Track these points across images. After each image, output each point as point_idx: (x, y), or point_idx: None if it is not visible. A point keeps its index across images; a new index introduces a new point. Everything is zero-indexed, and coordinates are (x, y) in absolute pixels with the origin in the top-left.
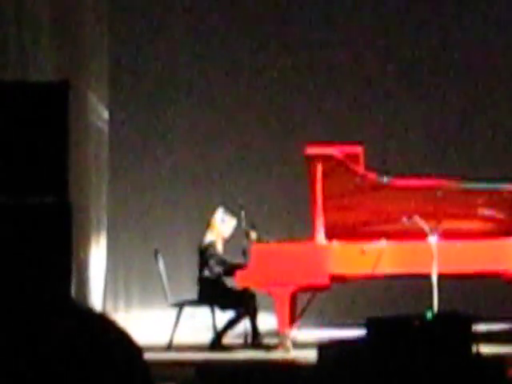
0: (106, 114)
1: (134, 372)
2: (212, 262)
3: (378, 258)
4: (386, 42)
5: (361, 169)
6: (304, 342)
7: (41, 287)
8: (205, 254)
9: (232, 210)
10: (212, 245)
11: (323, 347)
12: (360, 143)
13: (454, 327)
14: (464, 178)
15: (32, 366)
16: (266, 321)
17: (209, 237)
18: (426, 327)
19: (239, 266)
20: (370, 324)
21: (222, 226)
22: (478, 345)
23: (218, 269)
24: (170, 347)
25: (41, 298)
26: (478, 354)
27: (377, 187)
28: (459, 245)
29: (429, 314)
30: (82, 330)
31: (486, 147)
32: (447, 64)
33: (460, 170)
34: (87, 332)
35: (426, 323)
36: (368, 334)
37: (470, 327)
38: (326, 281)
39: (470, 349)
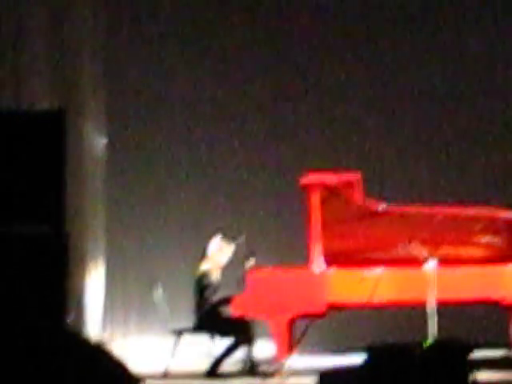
0: (102, 143)
1: None
2: (207, 293)
3: (376, 285)
4: (383, 69)
5: (358, 196)
6: (301, 369)
7: (37, 318)
8: (200, 283)
9: (230, 237)
10: (207, 274)
11: (324, 375)
12: (357, 171)
13: (452, 355)
14: (461, 205)
15: None
16: (264, 348)
17: (204, 265)
18: (425, 355)
19: (230, 300)
20: (369, 351)
21: (217, 255)
22: (475, 373)
23: (214, 297)
24: (167, 375)
25: (37, 329)
26: (475, 382)
27: (374, 214)
28: (457, 271)
29: (428, 342)
30: (80, 360)
31: (484, 175)
32: (447, 93)
33: (457, 196)
34: (85, 362)
35: (425, 351)
36: (368, 361)
37: (468, 355)
38: (322, 309)
39: (468, 377)
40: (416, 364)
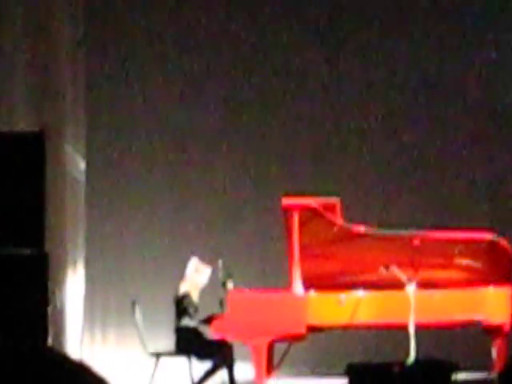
0: (82, 165)
1: None
2: (191, 310)
3: (356, 307)
4: (366, 90)
5: (337, 218)
6: None
7: (19, 337)
8: (181, 304)
9: (208, 260)
10: (186, 295)
11: None
12: (336, 196)
13: (433, 374)
14: (440, 228)
15: None
16: (244, 370)
17: (183, 287)
18: (406, 373)
19: (212, 318)
20: (350, 370)
21: (195, 277)
22: None
23: (192, 319)
24: None
25: (18, 348)
26: None
27: (354, 237)
28: (437, 294)
29: (409, 361)
30: (62, 377)
31: (463, 198)
32: (427, 115)
33: (437, 220)
34: (68, 379)
35: (406, 369)
36: (349, 380)
37: (449, 374)
38: (302, 331)
39: None
40: (396, 382)
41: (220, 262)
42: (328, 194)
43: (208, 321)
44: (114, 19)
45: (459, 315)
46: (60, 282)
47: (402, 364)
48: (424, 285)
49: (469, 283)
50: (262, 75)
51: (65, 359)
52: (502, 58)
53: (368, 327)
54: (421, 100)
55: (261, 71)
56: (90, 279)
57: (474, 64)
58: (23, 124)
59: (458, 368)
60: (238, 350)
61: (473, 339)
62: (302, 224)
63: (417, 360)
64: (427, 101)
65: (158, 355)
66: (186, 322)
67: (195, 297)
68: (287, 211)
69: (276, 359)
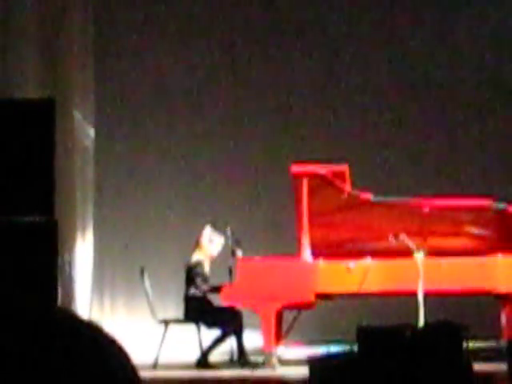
0: (91, 133)
1: (127, 378)
2: (199, 280)
3: (364, 275)
4: (371, 65)
5: (347, 186)
6: (290, 359)
7: (28, 300)
8: (191, 272)
9: (219, 229)
10: (199, 264)
11: (313, 361)
12: (345, 162)
13: (445, 337)
14: (448, 196)
15: (22, 378)
16: (252, 338)
17: (196, 256)
18: (417, 336)
19: (220, 288)
20: (360, 333)
21: (209, 246)
22: (469, 354)
23: (204, 287)
24: (156, 365)
25: (28, 309)
26: (469, 364)
27: (362, 205)
28: (445, 262)
29: (419, 324)
30: (73, 336)
31: (471, 167)
32: (432, 85)
33: (445, 188)
34: (78, 339)
35: (417, 332)
36: (359, 342)
37: (461, 337)
38: (311, 298)
39: (462, 359)
40: (408, 346)
41: (229, 230)
42: (338, 160)
43: (216, 290)
44: None
45: (468, 283)
46: (69, 249)
47: (414, 327)
48: (433, 253)
49: (478, 251)
50: (272, 45)
51: (75, 319)
52: None
53: (377, 295)
54: (428, 69)
55: (270, 45)
56: (98, 246)
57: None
58: (33, 91)
59: (469, 331)
60: (246, 318)
61: (481, 307)
62: (310, 191)
63: (427, 323)
64: (435, 70)
65: (166, 322)
66: (193, 291)
67: (207, 266)
68: (296, 178)
69: (285, 328)
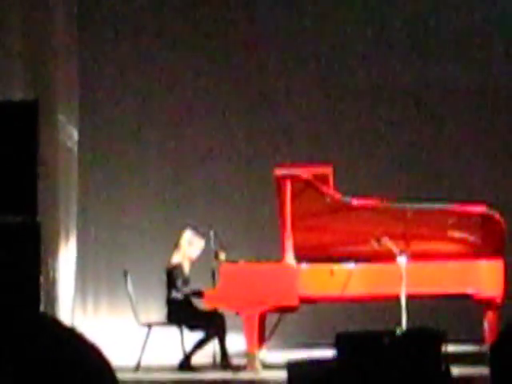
0: (75, 135)
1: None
2: (179, 283)
3: (347, 279)
4: (360, 65)
5: (329, 189)
6: (273, 363)
7: (11, 304)
8: (172, 275)
9: (201, 231)
10: (178, 266)
11: (292, 366)
12: (328, 164)
13: (423, 343)
14: (432, 199)
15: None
16: (235, 341)
17: (175, 258)
18: (396, 343)
19: (201, 294)
20: (339, 340)
21: (188, 248)
22: (447, 361)
23: (185, 289)
24: (138, 368)
25: (10, 314)
26: (448, 370)
27: (345, 208)
28: (428, 266)
29: (398, 330)
30: (54, 343)
31: (455, 169)
32: (419, 84)
33: (429, 191)
34: (60, 345)
35: (396, 339)
36: (337, 349)
37: (439, 343)
38: (295, 302)
39: (440, 365)
40: (387, 352)
41: (212, 233)
42: (322, 162)
43: (198, 294)
44: None
45: (451, 288)
46: (52, 251)
47: (392, 333)
48: (416, 257)
49: (461, 256)
50: (261, 48)
51: (56, 325)
52: None
53: (360, 299)
54: (416, 70)
55: (259, 47)
56: (82, 248)
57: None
58: (17, 94)
59: (447, 337)
60: (229, 321)
61: (464, 311)
62: (294, 195)
63: (407, 329)
64: (423, 69)
65: (149, 325)
66: (174, 294)
67: (187, 268)
68: (279, 181)
69: (267, 331)
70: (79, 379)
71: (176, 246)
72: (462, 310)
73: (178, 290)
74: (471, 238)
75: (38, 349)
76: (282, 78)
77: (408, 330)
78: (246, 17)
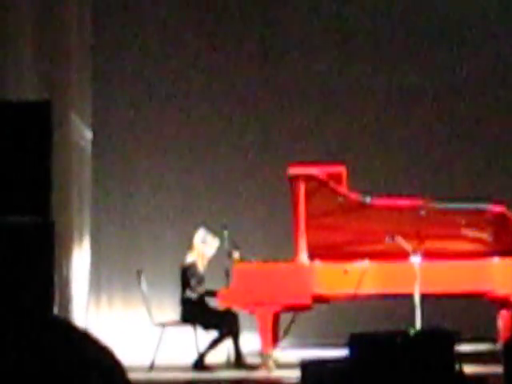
0: (88, 134)
1: None
2: (193, 283)
3: (361, 278)
4: (371, 65)
5: (343, 188)
6: (286, 362)
7: (24, 305)
8: (186, 274)
9: (214, 230)
10: (193, 265)
11: (306, 365)
12: (342, 163)
13: (437, 344)
14: (446, 198)
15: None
16: (249, 341)
17: (190, 257)
18: (409, 343)
19: (215, 293)
20: (353, 340)
21: (202, 247)
22: (460, 361)
23: (200, 289)
24: (152, 367)
25: (24, 315)
26: (461, 371)
27: (359, 207)
28: (442, 265)
29: (412, 331)
30: (67, 346)
31: (469, 169)
32: (431, 86)
33: (443, 191)
34: (72, 348)
35: (409, 339)
36: (351, 350)
37: (453, 344)
38: (308, 301)
39: (454, 365)
40: (400, 353)
41: (226, 232)
42: (335, 160)
43: (212, 294)
44: None
45: (464, 286)
46: (66, 251)
47: (406, 334)
48: (430, 255)
49: (475, 254)
50: (272, 47)
51: (69, 328)
52: None
53: (373, 297)
54: (428, 71)
55: (268, 44)
56: (95, 248)
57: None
58: (30, 93)
59: (460, 337)
60: (243, 320)
61: (478, 310)
62: (307, 193)
63: (420, 329)
64: (435, 71)
65: (163, 325)
66: (188, 293)
67: (201, 267)
68: (293, 180)
69: (281, 331)
70: (91, 382)
71: (190, 244)
72: (475, 308)
73: (192, 289)
74: (485, 237)
75: (50, 351)
76: (296, 75)
77: (421, 330)
78: (260, 16)
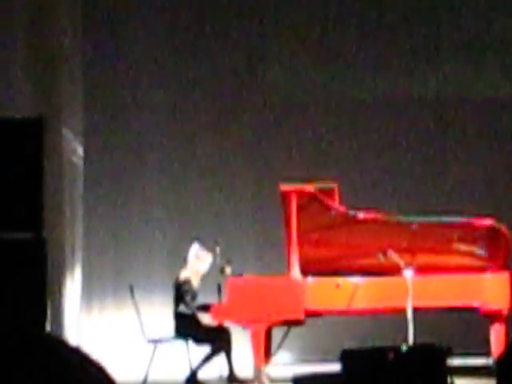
0: (80, 150)
1: None
2: (188, 299)
3: (353, 293)
4: (360, 78)
5: (335, 203)
6: (279, 377)
7: (17, 323)
8: (180, 289)
9: (207, 246)
10: (187, 281)
11: (298, 381)
12: (334, 180)
13: (428, 359)
14: (437, 212)
15: None
16: (242, 356)
17: (184, 273)
18: (400, 359)
19: (208, 308)
20: (345, 356)
21: (196, 263)
22: (452, 376)
23: (193, 304)
24: (145, 383)
25: (17, 334)
26: None
27: (351, 222)
28: (435, 279)
29: (404, 347)
30: (59, 363)
31: (460, 183)
32: (421, 99)
33: (434, 205)
34: (64, 365)
35: (400, 355)
36: (343, 366)
37: (444, 359)
38: (301, 316)
39: (446, 380)
40: (392, 369)
41: (218, 248)
42: (327, 178)
43: (205, 309)
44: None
45: (457, 301)
46: (58, 267)
47: (397, 349)
48: (422, 270)
49: (467, 269)
50: (263, 62)
51: (61, 346)
52: None
53: (366, 312)
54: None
55: (260, 59)
56: (87, 264)
57: None
58: (22, 110)
59: (452, 353)
60: (236, 336)
61: (470, 324)
62: (299, 209)
63: (411, 345)
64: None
65: (156, 341)
66: (183, 308)
67: (195, 283)
68: (285, 196)
69: (273, 346)
70: None
71: (185, 260)
72: (468, 322)
73: (187, 304)
74: (477, 251)
75: (42, 368)
76: (290, 90)
77: (413, 345)
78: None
